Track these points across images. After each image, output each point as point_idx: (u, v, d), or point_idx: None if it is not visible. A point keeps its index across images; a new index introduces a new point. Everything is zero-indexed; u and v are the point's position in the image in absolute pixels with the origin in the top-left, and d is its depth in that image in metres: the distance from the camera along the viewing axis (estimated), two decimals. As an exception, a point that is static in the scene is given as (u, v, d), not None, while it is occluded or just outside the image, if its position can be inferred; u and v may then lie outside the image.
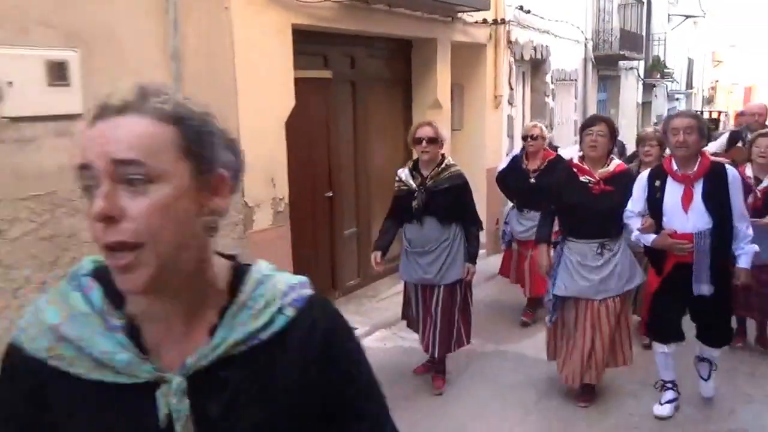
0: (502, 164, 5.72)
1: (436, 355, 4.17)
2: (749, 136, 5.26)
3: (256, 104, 4.33)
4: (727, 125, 15.60)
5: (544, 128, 5.35)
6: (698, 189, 3.56)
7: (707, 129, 4.00)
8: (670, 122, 3.69)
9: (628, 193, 3.78)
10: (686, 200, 3.57)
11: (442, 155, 4.13)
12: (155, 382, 0.87)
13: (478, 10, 6.74)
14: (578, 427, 3.77)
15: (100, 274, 0.91)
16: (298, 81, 4.74)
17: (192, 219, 0.87)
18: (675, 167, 3.61)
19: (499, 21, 7.47)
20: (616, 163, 3.92)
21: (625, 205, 3.78)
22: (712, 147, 6.30)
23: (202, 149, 0.88)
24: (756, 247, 3.67)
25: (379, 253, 4.14)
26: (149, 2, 3.63)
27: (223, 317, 0.91)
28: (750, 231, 3.65)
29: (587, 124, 3.97)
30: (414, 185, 4.05)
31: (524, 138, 5.31)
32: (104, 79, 3.38)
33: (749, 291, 4.29)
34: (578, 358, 3.86)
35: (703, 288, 3.57)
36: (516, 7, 7.91)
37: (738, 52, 34.82)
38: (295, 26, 4.66)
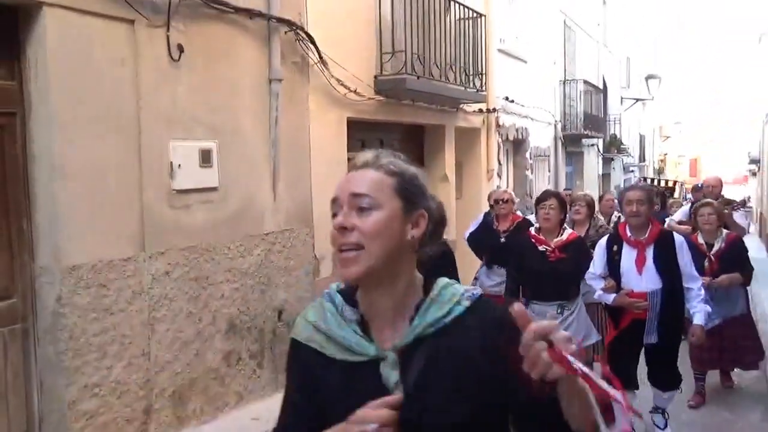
0: (472, 227, 6.08)
1: None
2: None
3: (322, 178, 5.55)
4: (683, 192, 17.25)
5: (512, 194, 6.01)
6: (650, 253, 3.91)
7: (656, 197, 4.56)
8: (624, 194, 4.11)
9: (580, 258, 4.22)
10: (639, 263, 3.92)
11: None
12: (376, 359, 1.18)
13: (476, 102, 8.22)
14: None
15: (341, 291, 1.31)
16: (348, 160, 6.00)
17: (397, 238, 1.21)
18: (629, 233, 4.00)
19: (491, 110, 8.97)
20: (568, 232, 4.38)
21: (579, 269, 4.18)
22: (677, 215, 7.18)
23: (410, 194, 1.24)
24: (708, 308, 4.05)
25: None
26: (260, 107, 4.88)
27: (419, 310, 1.22)
28: (702, 291, 4.00)
29: (540, 199, 4.45)
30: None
31: (496, 201, 5.64)
32: (232, 161, 4.59)
33: (703, 347, 4.63)
34: None
35: (651, 337, 3.91)
36: (503, 98, 9.45)
37: (682, 128, 37.91)
38: (348, 119, 5.96)
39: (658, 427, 4.20)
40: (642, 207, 3.89)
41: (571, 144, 14.11)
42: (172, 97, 4.12)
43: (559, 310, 4.19)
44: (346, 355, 1.21)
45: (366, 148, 6.61)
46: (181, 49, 4.14)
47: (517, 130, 10.28)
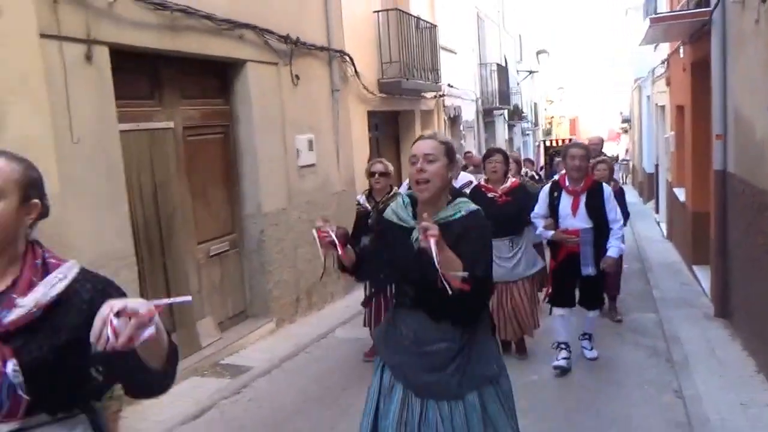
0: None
1: None
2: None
3: (358, 152, 8.23)
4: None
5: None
6: (582, 199, 4.55)
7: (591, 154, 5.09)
8: (568, 151, 4.70)
9: (522, 201, 4.83)
10: (574, 207, 4.56)
11: (391, 186, 5.12)
12: (412, 228, 2.22)
13: (432, 91, 11.10)
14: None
15: (410, 195, 2.34)
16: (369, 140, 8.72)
17: (445, 176, 2.22)
18: (567, 183, 4.65)
19: (440, 95, 11.88)
20: (511, 180, 5.02)
21: (522, 209, 4.78)
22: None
23: (450, 154, 2.25)
24: (622, 245, 4.65)
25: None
26: (328, 109, 7.48)
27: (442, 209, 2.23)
28: (621, 231, 4.61)
29: (487, 155, 5.07)
30: (369, 207, 5.02)
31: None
32: (320, 146, 7.19)
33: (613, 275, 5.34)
34: (510, 325, 4.88)
35: (589, 270, 4.55)
36: (446, 85, 12.38)
37: (564, 93, 42.85)
38: (369, 111, 8.65)
39: (585, 349, 5.02)
40: (583, 163, 4.58)
41: (486, 116, 17.38)
42: (294, 108, 6.66)
43: (510, 244, 4.85)
44: (402, 222, 2.30)
45: (370, 131, 9.53)
46: (297, 77, 6.67)
47: (454, 109, 13.29)
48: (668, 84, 10.71)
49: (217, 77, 5.84)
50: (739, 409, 3.87)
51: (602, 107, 46.60)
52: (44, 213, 1.56)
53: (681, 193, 8.93)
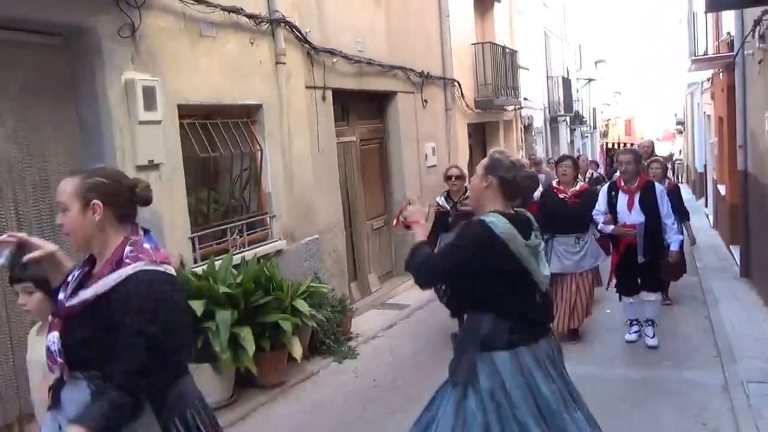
0: None
1: None
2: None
3: (462, 156, 10.50)
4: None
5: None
6: (637, 197, 5.11)
7: (641, 159, 5.68)
8: (618, 157, 5.51)
9: (588, 202, 5.40)
10: (630, 204, 5.12)
11: (465, 187, 5.71)
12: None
13: (513, 104, 13.27)
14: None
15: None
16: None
17: None
18: (623, 184, 5.25)
19: (518, 108, 14.03)
20: (580, 183, 5.68)
21: (589, 210, 5.34)
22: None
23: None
24: (681, 236, 5.32)
25: None
26: (443, 124, 9.77)
27: None
28: (675, 225, 5.20)
29: (559, 161, 5.86)
30: (448, 207, 5.74)
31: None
32: (439, 152, 9.49)
33: (669, 266, 5.67)
34: (566, 311, 5.44)
35: (641, 257, 5.11)
36: (522, 98, 14.50)
37: (620, 96, 43.99)
38: (468, 124, 10.91)
39: (647, 336, 5.47)
40: (629, 166, 5.20)
41: (552, 122, 19.36)
42: (423, 124, 9.00)
43: (576, 240, 5.45)
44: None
45: (467, 138, 11.86)
46: (426, 101, 9.00)
47: (528, 118, 15.39)
48: (712, 98, 12.52)
49: (375, 104, 8.23)
50: (747, 323, 5.95)
51: (657, 108, 47.36)
52: (116, 205, 1.79)
53: (723, 189, 10.83)
